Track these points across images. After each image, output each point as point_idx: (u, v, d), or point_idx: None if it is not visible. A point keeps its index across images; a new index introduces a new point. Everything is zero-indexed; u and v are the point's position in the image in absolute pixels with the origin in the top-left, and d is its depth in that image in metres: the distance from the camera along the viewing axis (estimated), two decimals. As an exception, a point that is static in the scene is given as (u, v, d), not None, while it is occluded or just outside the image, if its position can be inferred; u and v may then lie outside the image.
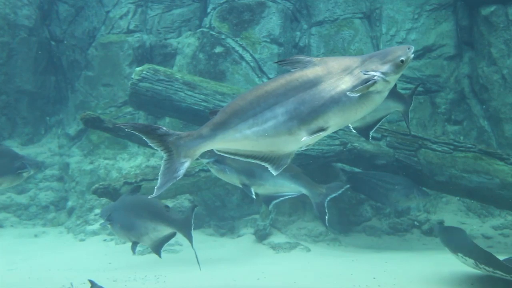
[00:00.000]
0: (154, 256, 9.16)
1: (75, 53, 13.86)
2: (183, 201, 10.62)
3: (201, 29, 12.63)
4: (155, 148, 4.32)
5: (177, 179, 4.30)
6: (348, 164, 10.11)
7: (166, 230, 7.00)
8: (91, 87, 13.31)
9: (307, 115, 4.22)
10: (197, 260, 6.87)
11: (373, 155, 9.40)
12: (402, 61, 4.28)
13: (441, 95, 11.63)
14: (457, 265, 7.42)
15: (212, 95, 9.55)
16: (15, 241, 10.75)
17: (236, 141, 4.35)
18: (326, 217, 6.97)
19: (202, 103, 9.47)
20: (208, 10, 12.94)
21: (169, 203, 10.46)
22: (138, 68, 10.12)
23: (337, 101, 4.19)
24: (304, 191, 7.19)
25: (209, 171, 9.45)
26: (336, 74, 4.25)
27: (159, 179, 4.26)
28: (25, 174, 7.62)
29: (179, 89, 9.64)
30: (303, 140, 4.26)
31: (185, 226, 6.89)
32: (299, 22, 12.91)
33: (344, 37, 12.47)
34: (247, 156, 4.45)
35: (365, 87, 4.16)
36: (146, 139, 4.30)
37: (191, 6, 13.57)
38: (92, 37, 13.69)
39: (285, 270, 8.02)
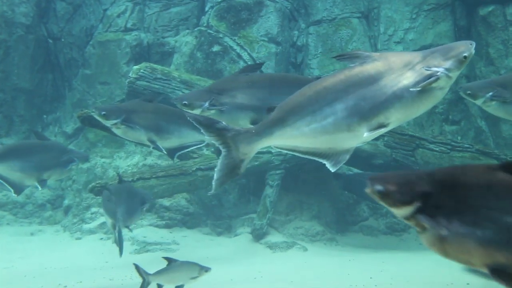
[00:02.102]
0: (151, 255, 9.18)
1: (72, 51, 13.81)
2: (180, 200, 10.60)
3: (199, 28, 12.60)
4: (213, 142, 4.21)
5: (237, 176, 4.23)
6: (345, 164, 10.08)
7: None
8: (89, 85, 13.27)
9: (368, 111, 4.13)
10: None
11: (370, 154, 9.40)
12: (465, 57, 4.19)
13: (439, 95, 11.62)
14: (454, 265, 7.41)
15: (210, 94, 9.53)
16: (11, 239, 10.72)
17: (294, 137, 4.27)
18: None
19: (199, 102, 9.45)
20: (206, 8, 12.92)
21: (166, 202, 10.45)
22: (135, 67, 10.09)
23: (400, 97, 4.11)
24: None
25: (206, 170, 9.45)
26: (397, 70, 4.17)
27: (215, 174, 4.16)
28: (73, 167, 7.76)
29: (176, 88, 9.63)
30: (364, 136, 4.17)
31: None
32: (297, 21, 12.90)
33: (342, 37, 12.46)
34: (305, 153, 4.35)
35: (429, 83, 4.08)
36: (204, 132, 4.18)
37: (189, 4, 13.54)
38: (90, 35, 13.65)
39: (282, 270, 8.02)
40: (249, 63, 12.01)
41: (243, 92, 5.83)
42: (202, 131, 4.21)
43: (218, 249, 9.50)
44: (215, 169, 4.20)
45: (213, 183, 4.16)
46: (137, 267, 6.09)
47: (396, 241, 10.19)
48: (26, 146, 8.32)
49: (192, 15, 13.49)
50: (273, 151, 9.84)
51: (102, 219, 10.48)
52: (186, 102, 5.98)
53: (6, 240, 10.67)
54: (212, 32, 12.34)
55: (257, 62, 12.03)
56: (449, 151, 9.28)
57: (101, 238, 10.30)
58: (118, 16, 13.48)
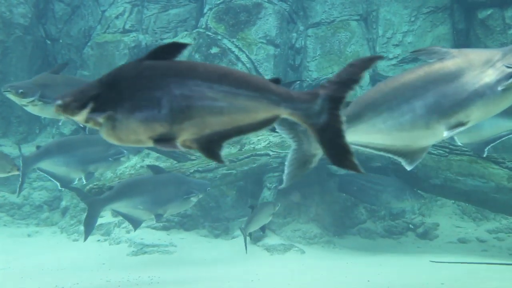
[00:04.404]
0: (148, 257, 9.16)
1: (70, 52, 13.80)
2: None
3: (197, 30, 12.60)
4: (284, 136, 4.09)
5: (308, 171, 4.10)
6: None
7: None
8: (87, 86, 13.26)
9: (448, 109, 4.03)
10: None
11: (368, 157, 9.39)
12: None
13: (437, 98, 11.63)
14: (452, 268, 7.42)
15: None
16: (8, 240, 10.69)
17: (368, 134, 4.17)
18: None
19: (197, 104, 9.44)
20: (205, 10, 12.92)
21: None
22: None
23: (481, 95, 4.01)
24: None
25: (204, 171, 9.42)
26: (478, 67, 4.08)
27: (286, 168, 4.04)
28: (123, 159, 7.78)
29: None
30: (444, 135, 4.08)
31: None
32: (296, 23, 12.90)
33: (340, 39, 12.47)
34: (379, 150, 4.26)
35: None
36: (276, 126, 4.01)
37: (188, 6, 13.54)
38: (88, 36, 13.64)
39: (280, 272, 8.01)
40: (247, 65, 12.01)
41: (64, 88, 5.77)
42: (274, 124, 4.16)
43: (215, 251, 9.48)
44: (285, 163, 4.08)
45: (284, 177, 4.04)
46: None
47: (394, 244, 10.18)
48: (70, 141, 8.45)
49: (191, 16, 13.48)
50: (270, 153, 9.83)
51: (99, 220, 10.45)
52: (22, 90, 6.07)
53: (3, 241, 10.64)
54: (210, 34, 12.33)
55: (255, 64, 12.02)
56: (447, 154, 9.27)
57: (98, 240, 10.26)
58: (117, 17, 13.48)
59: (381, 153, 4.29)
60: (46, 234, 11.31)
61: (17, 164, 6.78)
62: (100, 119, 2.76)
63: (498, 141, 6.76)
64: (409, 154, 4.24)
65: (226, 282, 7.34)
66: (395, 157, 4.27)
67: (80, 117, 2.81)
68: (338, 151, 2.77)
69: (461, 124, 4.07)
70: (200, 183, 8.05)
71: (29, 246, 10.32)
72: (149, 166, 8.67)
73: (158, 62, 2.80)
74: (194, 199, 7.75)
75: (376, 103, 4.14)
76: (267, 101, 2.78)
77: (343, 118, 2.79)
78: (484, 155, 6.68)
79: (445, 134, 4.08)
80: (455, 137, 5.58)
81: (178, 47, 2.86)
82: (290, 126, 4.01)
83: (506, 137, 6.82)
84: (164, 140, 2.78)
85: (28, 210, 12.02)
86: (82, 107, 2.78)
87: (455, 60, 4.12)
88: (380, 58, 2.95)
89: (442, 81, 4.06)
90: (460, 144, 6.02)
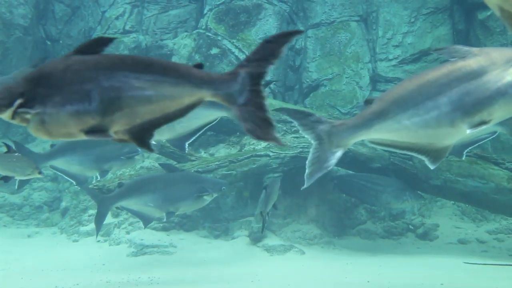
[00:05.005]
0: (148, 258, 9.16)
1: (70, 53, 13.82)
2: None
3: (197, 30, 12.61)
4: (305, 135, 4.12)
5: (328, 169, 4.11)
6: (343, 167, 10.10)
7: None
8: (87, 87, 13.26)
9: (471, 107, 4.01)
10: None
11: (368, 158, 9.39)
12: None
13: (437, 99, 11.63)
14: (451, 269, 7.42)
15: (208, 96, 9.52)
16: (8, 241, 10.69)
17: (393, 131, 4.15)
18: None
19: (197, 105, 9.44)
20: (205, 11, 12.92)
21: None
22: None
23: (504, 93, 4.00)
24: None
25: (204, 172, 9.42)
26: (500, 65, 4.06)
27: (307, 168, 4.06)
28: (137, 157, 7.79)
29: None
30: (467, 133, 4.07)
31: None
32: (296, 24, 12.90)
33: (340, 40, 12.48)
34: (403, 148, 4.26)
35: None
36: (297, 125, 4.11)
37: (188, 7, 13.54)
38: (88, 37, 13.64)
39: (279, 273, 8.00)
40: (247, 66, 12.00)
41: None
42: (295, 123, 4.12)
43: (215, 252, 9.48)
44: (306, 162, 4.08)
45: (305, 176, 4.05)
46: None
47: (394, 245, 10.18)
48: (85, 139, 8.39)
49: (191, 17, 13.49)
50: (270, 154, 9.82)
51: (99, 221, 10.46)
52: None
53: (2, 242, 10.64)
54: (210, 34, 12.33)
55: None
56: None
57: (98, 241, 10.26)
58: (117, 18, 13.48)
59: (405, 151, 4.28)
60: (46, 235, 11.31)
61: (38, 167, 6.75)
62: (28, 115, 2.77)
63: (476, 144, 6.76)
64: (432, 152, 4.25)
65: (226, 282, 7.34)
66: (419, 155, 4.26)
67: (6, 114, 2.82)
68: (261, 125, 2.76)
69: (483, 122, 4.06)
70: (215, 182, 8.04)
71: (29, 247, 10.32)
72: (161, 165, 8.67)
73: (86, 56, 2.83)
74: (207, 198, 7.74)
75: (402, 100, 4.12)
76: (190, 86, 2.84)
77: (265, 93, 2.79)
78: (463, 158, 6.64)
79: (468, 132, 4.06)
80: None
81: (105, 41, 2.91)
82: (310, 126, 4.04)
83: (484, 141, 6.81)
84: (95, 132, 2.83)
85: (28, 211, 12.02)
86: (8, 105, 2.79)
87: (477, 58, 4.11)
88: (299, 32, 2.95)
89: (466, 79, 4.05)
90: None
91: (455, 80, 4.06)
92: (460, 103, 4.03)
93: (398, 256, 9.24)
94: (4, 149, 6.89)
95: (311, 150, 4.07)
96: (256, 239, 9.60)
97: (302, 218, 10.11)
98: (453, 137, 4.19)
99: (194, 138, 6.12)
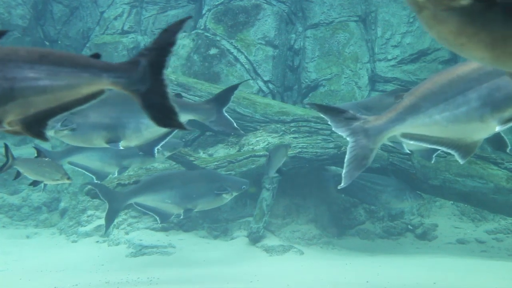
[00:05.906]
0: (147, 258, 9.15)
1: (69, 54, 13.81)
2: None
3: (196, 31, 12.60)
4: (340, 132, 4.08)
5: (366, 167, 4.08)
6: (343, 167, 10.08)
7: None
8: (85, 87, 13.25)
9: (501, 102, 3.96)
10: None
11: (367, 158, 9.39)
12: None
13: (436, 99, 11.63)
14: (450, 269, 7.41)
15: (207, 97, 9.52)
16: (6, 242, 10.67)
17: (425, 126, 4.12)
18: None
19: (196, 105, 9.44)
20: (203, 11, 12.92)
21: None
22: (132, 69, 10.00)
23: None
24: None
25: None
26: None
27: (345, 166, 4.02)
28: (157, 154, 7.77)
29: (173, 91, 9.60)
30: (497, 129, 4.02)
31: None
32: (294, 24, 12.90)
33: (339, 40, 12.48)
34: (433, 142, 4.22)
35: None
36: (331, 123, 4.06)
37: (186, 7, 13.54)
38: (87, 38, 13.64)
39: (278, 273, 8.00)
40: (246, 66, 12.01)
41: (95, 110, 5.71)
42: (329, 121, 4.06)
43: (214, 253, 9.47)
44: (345, 161, 4.04)
45: (343, 175, 4.03)
46: None
47: (393, 245, 10.18)
48: None
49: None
50: (270, 154, 9.83)
51: (98, 221, 10.46)
52: None
53: (1, 242, 10.62)
54: (209, 35, 12.33)
55: (254, 65, 12.03)
56: (446, 155, 9.27)
57: (97, 241, 10.26)
58: (115, 18, 13.47)
59: (435, 146, 4.25)
60: (45, 236, 11.29)
61: (67, 174, 6.72)
62: None
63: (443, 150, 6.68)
64: (462, 148, 4.22)
65: (225, 283, 7.34)
66: (449, 150, 4.24)
67: None
68: (164, 113, 2.78)
69: None
70: (235, 181, 8.03)
71: (28, 248, 10.30)
72: (180, 162, 8.66)
73: None
74: (227, 196, 7.73)
75: (433, 94, 4.10)
76: (88, 75, 2.82)
77: (167, 81, 2.80)
78: (432, 161, 6.62)
79: (498, 128, 4.03)
80: (404, 145, 5.49)
81: None
82: (345, 123, 4.01)
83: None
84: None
85: (27, 212, 12.00)
86: None
87: None
88: (189, 17, 2.99)
89: (495, 74, 4.01)
90: (408, 151, 5.93)
91: (485, 75, 4.02)
92: (490, 99, 3.99)
93: (397, 256, 9.25)
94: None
95: (348, 148, 4.04)
96: (255, 239, 9.60)
97: (301, 218, 10.11)
98: (483, 133, 4.16)
99: (163, 143, 6.10)
